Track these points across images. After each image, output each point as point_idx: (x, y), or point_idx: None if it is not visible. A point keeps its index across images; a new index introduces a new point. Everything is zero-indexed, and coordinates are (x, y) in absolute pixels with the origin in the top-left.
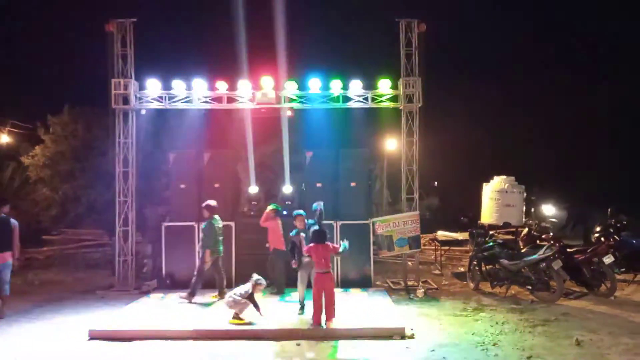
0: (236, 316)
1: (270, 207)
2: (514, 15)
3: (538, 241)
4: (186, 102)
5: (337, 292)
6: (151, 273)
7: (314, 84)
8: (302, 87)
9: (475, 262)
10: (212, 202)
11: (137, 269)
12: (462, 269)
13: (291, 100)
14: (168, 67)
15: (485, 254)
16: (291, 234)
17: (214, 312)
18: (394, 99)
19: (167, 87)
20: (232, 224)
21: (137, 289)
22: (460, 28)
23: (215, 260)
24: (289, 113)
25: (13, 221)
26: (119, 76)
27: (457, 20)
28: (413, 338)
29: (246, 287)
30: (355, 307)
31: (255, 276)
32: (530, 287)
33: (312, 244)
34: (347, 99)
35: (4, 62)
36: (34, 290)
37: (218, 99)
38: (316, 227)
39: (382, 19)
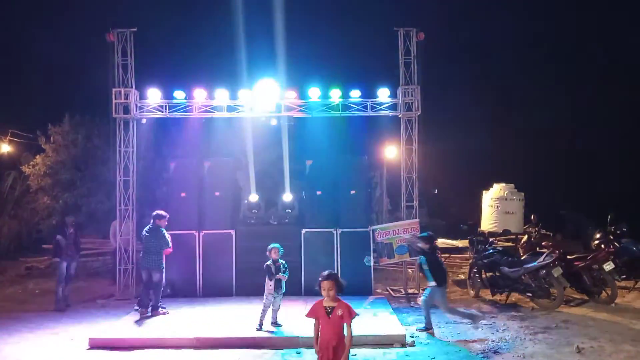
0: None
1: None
2: (513, 21)
3: (538, 248)
4: (186, 111)
5: None
6: None
7: (314, 92)
8: (301, 95)
9: (475, 270)
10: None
11: (137, 278)
12: (462, 277)
13: (291, 108)
14: (168, 76)
15: (485, 261)
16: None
17: (215, 320)
18: (393, 107)
19: (167, 96)
20: (232, 232)
21: (137, 297)
22: (459, 36)
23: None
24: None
25: None
26: (119, 85)
27: (455, 29)
28: (413, 346)
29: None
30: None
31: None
32: (530, 295)
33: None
34: (346, 107)
35: (4, 72)
36: (34, 299)
37: (218, 108)
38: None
39: (381, 28)
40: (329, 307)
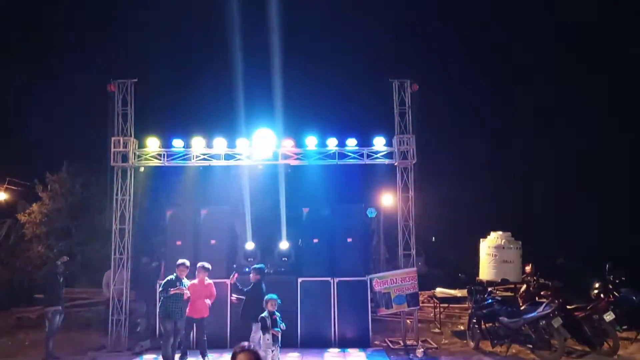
0: None
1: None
2: (505, 70)
3: (537, 297)
4: (184, 159)
5: (334, 352)
6: (145, 332)
7: (311, 141)
8: (298, 144)
9: (474, 320)
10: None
11: (130, 328)
12: (461, 327)
13: (288, 156)
14: (167, 125)
15: (484, 311)
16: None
17: None
18: (389, 155)
19: (166, 144)
20: (228, 281)
21: (129, 350)
22: (453, 86)
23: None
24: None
25: None
26: (119, 134)
27: (449, 79)
28: None
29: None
30: None
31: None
32: (531, 346)
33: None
34: (343, 155)
35: (4, 120)
36: (23, 351)
37: (216, 156)
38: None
39: (376, 78)
40: None
